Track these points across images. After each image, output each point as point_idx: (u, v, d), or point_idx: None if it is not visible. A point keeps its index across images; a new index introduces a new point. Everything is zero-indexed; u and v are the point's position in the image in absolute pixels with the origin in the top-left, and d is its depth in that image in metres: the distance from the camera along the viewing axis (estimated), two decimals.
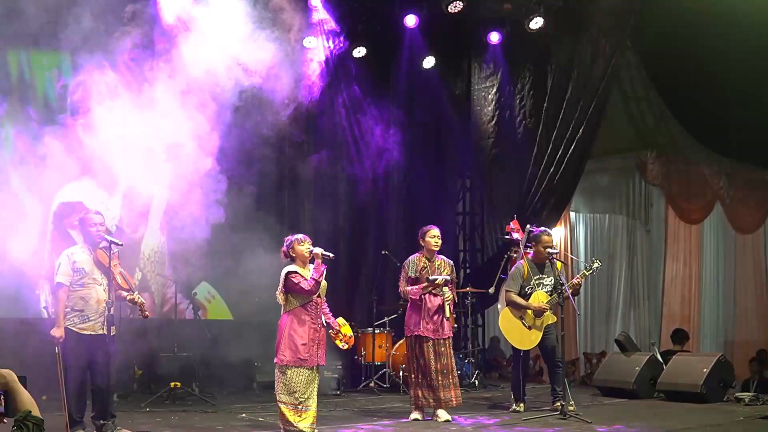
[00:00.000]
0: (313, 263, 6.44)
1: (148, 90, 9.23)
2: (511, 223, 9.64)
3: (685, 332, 11.63)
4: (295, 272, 6.34)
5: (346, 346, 6.76)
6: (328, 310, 6.65)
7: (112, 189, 9.82)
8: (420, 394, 7.44)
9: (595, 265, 7.81)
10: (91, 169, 9.39)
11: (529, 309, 7.79)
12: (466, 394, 9.78)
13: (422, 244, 7.63)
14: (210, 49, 9.65)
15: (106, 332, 6.28)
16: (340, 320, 6.68)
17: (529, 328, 7.83)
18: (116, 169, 9.44)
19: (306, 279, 6.30)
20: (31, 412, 3.76)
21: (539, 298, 7.82)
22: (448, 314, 7.47)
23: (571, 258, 12.06)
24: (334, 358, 9.47)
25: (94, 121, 9.03)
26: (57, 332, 6.20)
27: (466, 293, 11.10)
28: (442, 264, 7.61)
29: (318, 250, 6.36)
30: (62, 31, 8.37)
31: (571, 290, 7.81)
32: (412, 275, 7.56)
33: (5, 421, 3.87)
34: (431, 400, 7.40)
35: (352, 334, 6.79)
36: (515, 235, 9.33)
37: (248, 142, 10.26)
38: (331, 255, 6.42)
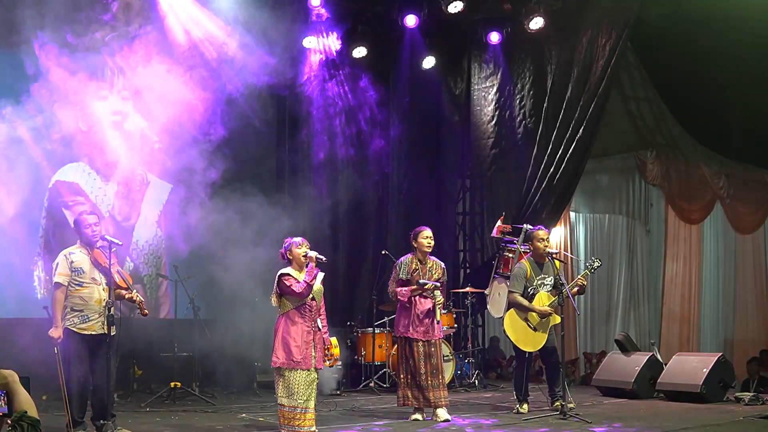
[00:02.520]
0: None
1: (142, 76, 9.24)
2: (498, 221, 9.66)
3: None
4: (288, 275, 6.33)
5: (328, 364, 6.68)
6: (324, 317, 6.60)
7: (107, 175, 9.84)
8: (409, 394, 7.47)
9: (596, 264, 7.81)
10: (85, 153, 9.45)
11: (534, 312, 7.78)
12: (466, 394, 9.80)
13: (415, 245, 7.60)
14: (206, 43, 9.67)
15: (106, 332, 6.27)
16: (334, 340, 6.62)
17: (535, 329, 7.80)
18: (110, 155, 9.50)
19: (299, 282, 6.29)
20: (26, 412, 3.72)
21: (543, 299, 7.80)
22: (438, 317, 7.47)
23: (570, 257, 12.05)
24: None
25: (87, 106, 9.05)
26: (55, 333, 6.18)
27: (465, 293, 11.10)
28: (434, 266, 7.59)
29: (312, 254, 6.34)
30: (46, 16, 8.37)
31: (576, 289, 7.82)
32: (403, 277, 7.52)
33: (9, 422, 3.85)
34: (421, 399, 7.42)
35: (338, 357, 6.75)
36: (494, 233, 9.41)
37: (246, 141, 10.28)
38: (324, 258, 6.38)
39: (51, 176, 9.50)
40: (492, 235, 9.69)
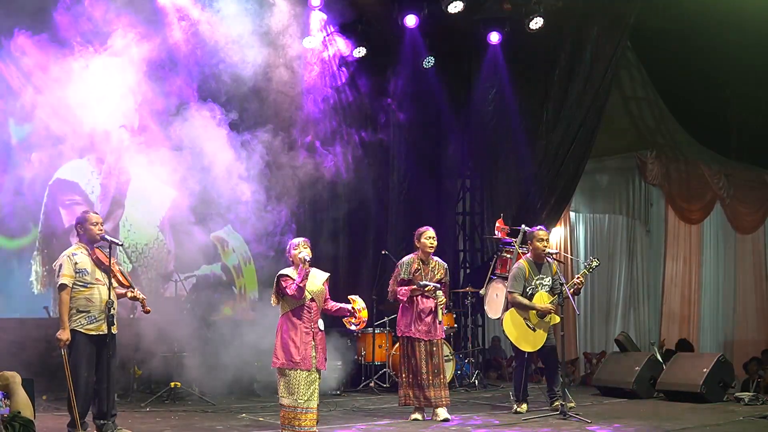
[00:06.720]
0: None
1: (137, 74, 9.19)
2: (497, 222, 9.64)
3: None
4: (286, 276, 6.33)
5: (354, 328, 6.52)
6: (332, 304, 6.54)
7: (101, 172, 9.77)
8: (410, 393, 7.48)
9: (594, 264, 7.80)
10: (86, 152, 9.37)
11: (535, 310, 7.78)
12: (466, 394, 9.80)
13: (418, 245, 7.60)
14: (204, 42, 9.64)
15: (107, 332, 6.26)
16: (359, 303, 6.42)
17: (534, 329, 7.80)
18: (108, 152, 9.43)
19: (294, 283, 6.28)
20: (20, 412, 3.68)
21: (543, 298, 7.80)
22: (440, 317, 7.47)
23: (570, 258, 12.06)
24: (334, 358, 9.47)
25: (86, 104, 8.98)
26: (63, 335, 6.14)
27: (465, 293, 11.10)
28: (437, 266, 7.59)
29: (302, 255, 6.31)
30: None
31: (573, 290, 7.79)
32: (405, 277, 7.53)
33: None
34: (421, 399, 7.44)
35: (362, 313, 6.41)
36: (498, 234, 9.37)
37: (246, 140, 10.27)
38: (307, 259, 6.28)
39: (52, 173, 9.37)
40: (494, 235, 9.66)
